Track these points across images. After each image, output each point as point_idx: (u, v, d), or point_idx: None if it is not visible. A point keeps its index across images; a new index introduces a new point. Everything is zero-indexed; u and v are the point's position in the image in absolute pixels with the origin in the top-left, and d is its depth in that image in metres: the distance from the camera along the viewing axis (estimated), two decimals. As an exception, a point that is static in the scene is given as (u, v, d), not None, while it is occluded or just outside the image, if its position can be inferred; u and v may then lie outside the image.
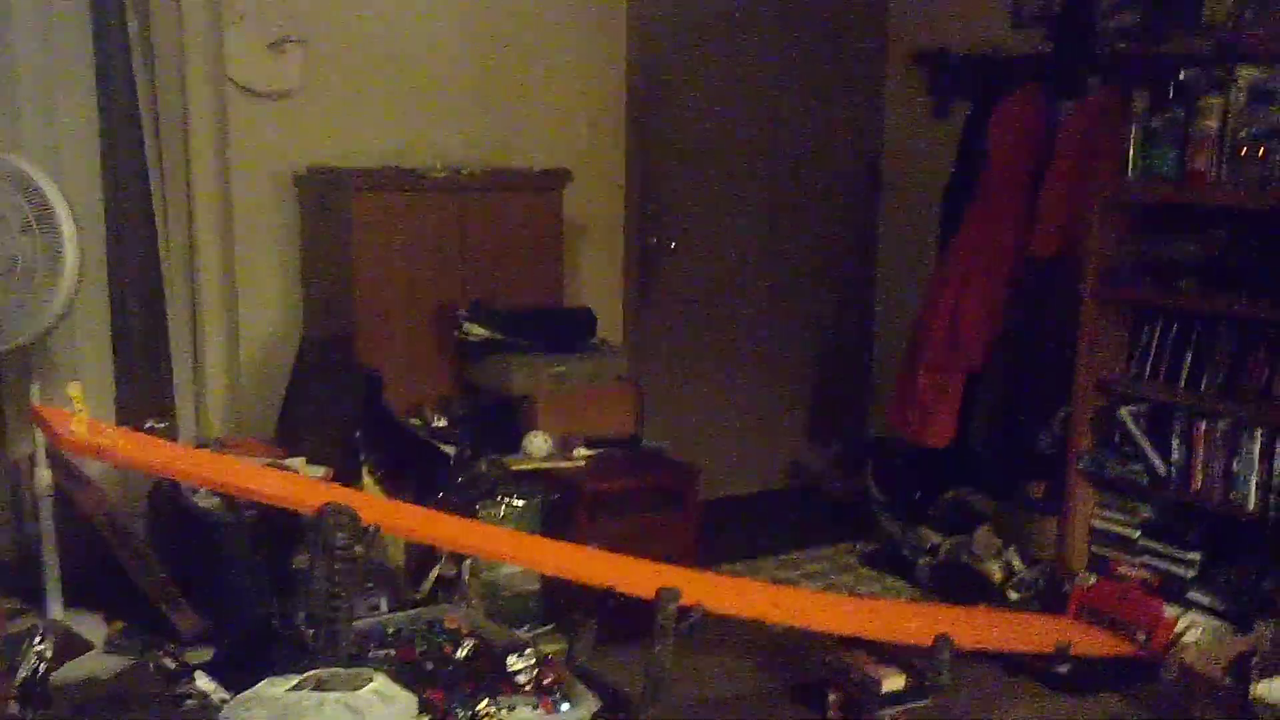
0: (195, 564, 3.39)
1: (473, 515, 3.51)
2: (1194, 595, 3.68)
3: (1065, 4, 4.39)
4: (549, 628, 3.57)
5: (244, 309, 4.04)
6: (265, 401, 3.98)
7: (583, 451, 3.87)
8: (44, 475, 3.39)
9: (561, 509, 3.68)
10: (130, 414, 3.85)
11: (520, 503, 3.63)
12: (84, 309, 3.65)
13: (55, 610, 3.38)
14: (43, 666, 2.80)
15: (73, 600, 3.43)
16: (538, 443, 3.82)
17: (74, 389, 2.91)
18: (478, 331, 3.95)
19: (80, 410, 2.87)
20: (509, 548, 3.27)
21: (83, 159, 3.73)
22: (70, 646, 3.14)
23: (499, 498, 3.61)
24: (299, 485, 3.14)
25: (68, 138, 3.69)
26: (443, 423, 3.84)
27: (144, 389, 3.92)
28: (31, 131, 3.60)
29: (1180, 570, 3.74)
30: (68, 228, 3.21)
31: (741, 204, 5.04)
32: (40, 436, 3.37)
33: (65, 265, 3.21)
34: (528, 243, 4.18)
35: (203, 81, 3.89)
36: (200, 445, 3.79)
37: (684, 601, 2.92)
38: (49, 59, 3.62)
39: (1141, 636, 3.45)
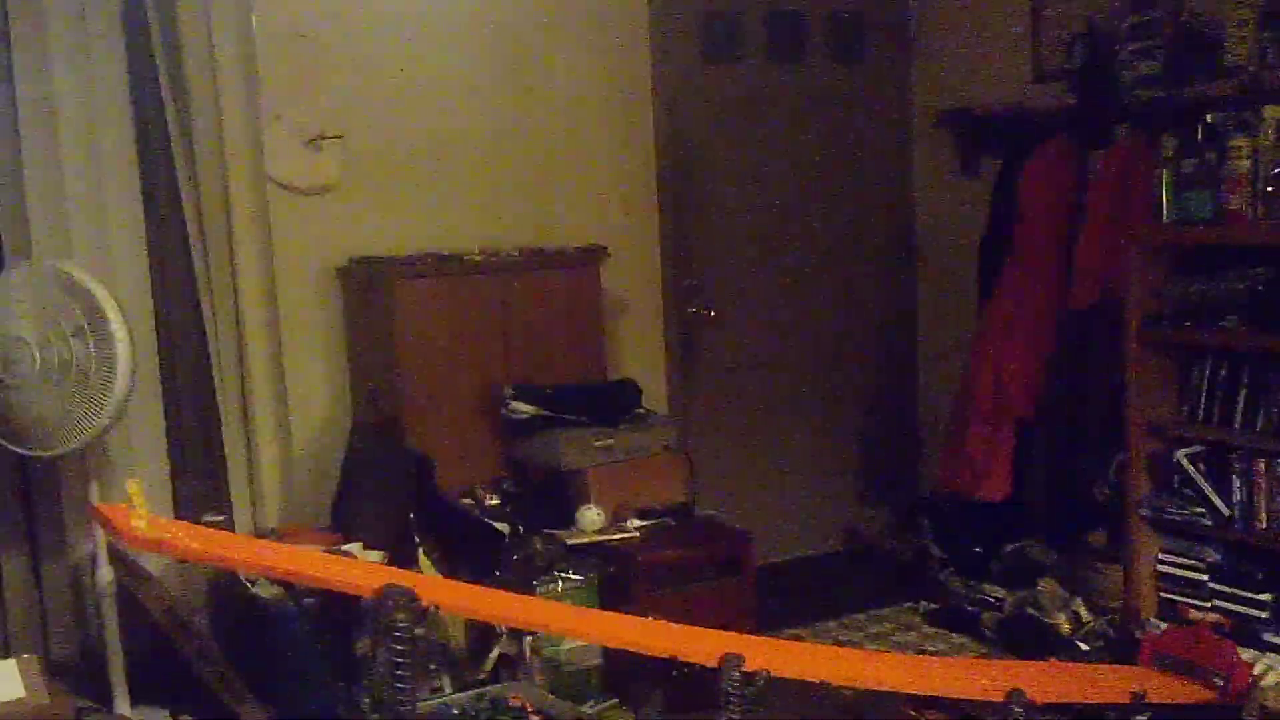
0: (258, 654, 3.39)
1: (530, 592, 3.50)
2: (1270, 637, 3.60)
3: (1085, 57, 4.43)
4: (614, 701, 3.54)
5: (293, 400, 4.09)
6: (319, 489, 4.02)
7: (636, 523, 3.87)
8: (105, 573, 3.42)
9: (618, 581, 3.67)
10: (187, 508, 3.87)
11: (577, 577, 3.62)
12: (138, 407, 3.69)
13: (122, 707, 3.39)
14: (113, 763, 2.80)
15: (139, 697, 3.43)
16: (590, 516, 3.82)
17: (133, 486, 2.94)
18: (524, 409, 3.97)
19: (140, 506, 2.90)
20: (569, 622, 3.25)
21: (131, 261, 3.80)
22: (138, 743, 3.14)
23: (555, 573, 3.60)
24: (357, 569, 3.15)
25: (116, 241, 3.77)
26: (495, 501, 3.86)
27: (199, 483, 3.95)
28: (81, 236, 3.67)
29: (1253, 612, 3.67)
30: (119, 330, 3.25)
31: (779, 270, 5.08)
32: (100, 535, 3.40)
33: (118, 367, 3.25)
34: (568, 319, 4.23)
35: (244, 180, 3.96)
36: (257, 536, 3.82)
37: (748, 667, 2.89)
38: (96, 167, 3.71)
39: (1219, 681, 3.37)
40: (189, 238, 3.91)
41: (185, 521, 3.56)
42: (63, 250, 3.61)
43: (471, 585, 3.31)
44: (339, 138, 4.10)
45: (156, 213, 3.88)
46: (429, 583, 3.22)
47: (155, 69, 3.81)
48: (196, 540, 3.03)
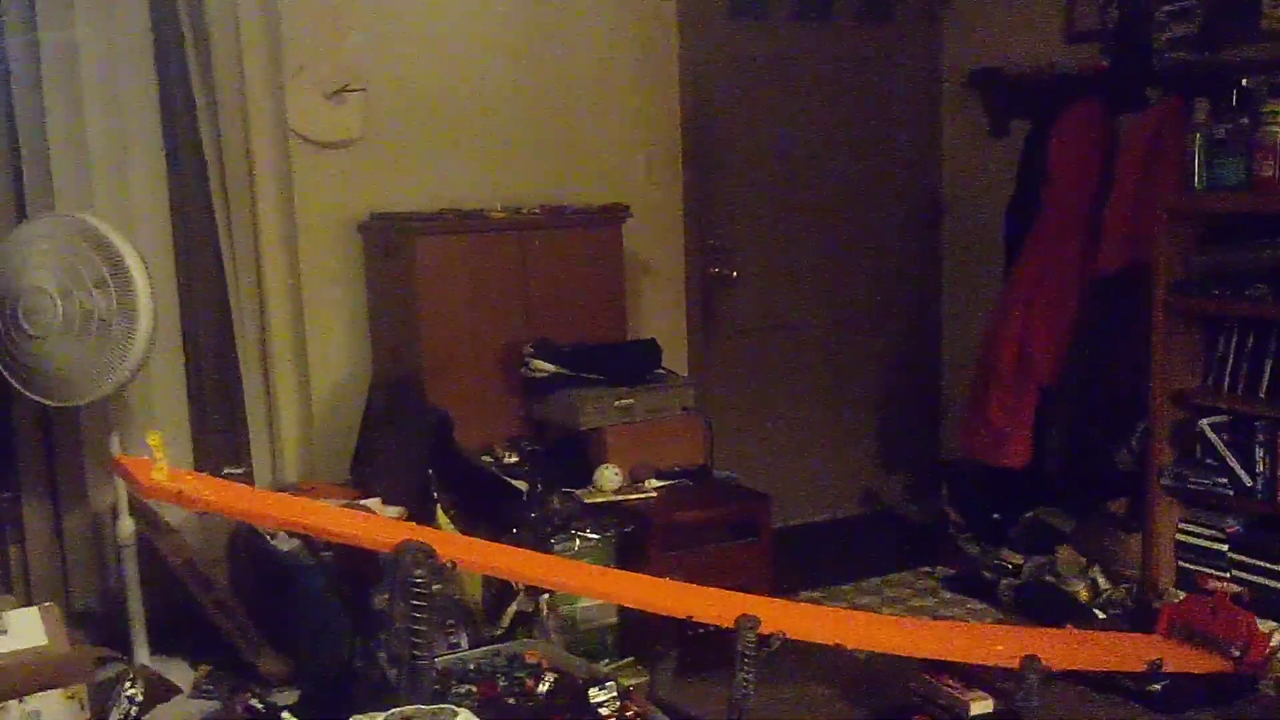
0: (276, 607, 3.42)
1: (547, 550, 3.51)
2: (1288, 608, 3.59)
3: (1119, 18, 4.35)
4: (629, 660, 3.56)
5: (314, 354, 4.09)
6: (338, 445, 4.03)
7: (654, 483, 3.86)
8: (126, 524, 3.45)
9: (635, 541, 3.67)
10: (207, 461, 3.91)
11: (594, 536, 3.62)
12: (159, 360, 3.72)
13: (142, 656, 3.42)
14: (134, 711, 2.83)
15: (158, 646, 3.47)
16: (608, 476, 3.82)
17: (154, 438, 2.96)
18: (544, 367, 3.97)
19: (160, 458, 2.91)
20: (586, 581, 3.26)
21: (152, 213, 3.81)
22: (159, 691, 3.18)
23: (572, 532, 3.60)
24: (376, 525, 3.16)
25: (138, 194, 3.77)
26: (513, 459, 3.86)
27: (219, 436, 3.98)
28: (103, 189, 3.68)
29: (1272, 583, 3.65)
30: (141, 281, 3.26)
31: (803, 231, 5.04)
32: (121, 486, 3.42)
33: (140, 318, 3.26)
34: (590, 278, 4.20)
35: (266, 133, 3.95)
36: (277, 490, 3.84)
37: (764, 629, 2.89)
38: (117, 119, 3.71)
39: (1236, 652, 3.36)
40: (210, 190, 3.91)
41: (205, 474, 3.58)
42: (84, 201, 3.62)
43: (489, 542, 3.32)
44: (361, 91, 4.07)
45: (178, 165, 3.89)
46: (446, 539, 3.23)
47: (177, 21, 3.80)
48: (215, 493, 3.04)
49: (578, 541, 3.60)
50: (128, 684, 2.83)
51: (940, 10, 5.15)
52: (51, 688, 2.78)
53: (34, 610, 2.97)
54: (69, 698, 2.86)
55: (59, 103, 3.61)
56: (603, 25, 4.48)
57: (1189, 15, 4.11)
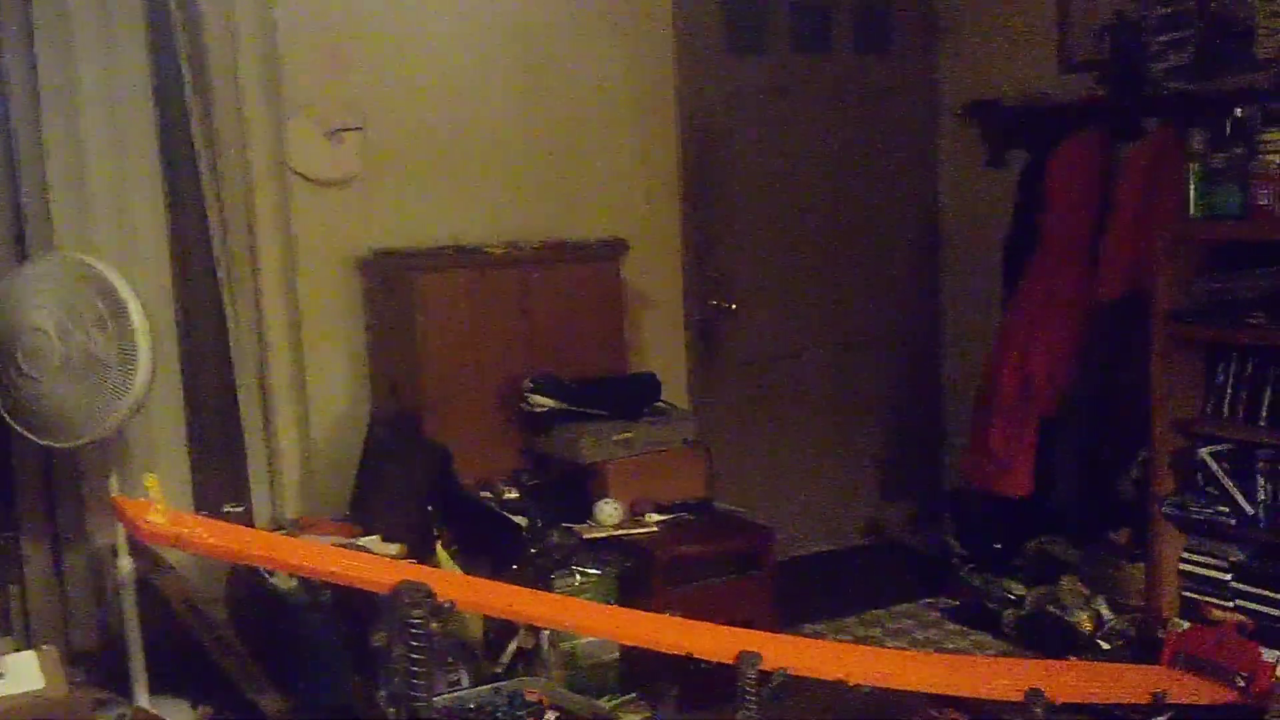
0: (276, 646, 3.41)
1: (548, 586, 3.50)
2: (1293, 638, 3.57)
3: (1114, 48, 4.38)
4: (631, 696, 3.54)
5: (313, 391, 4.09)
6: (338, 481, 4.02)
7: (655, 517, 3.85)
8: (125, 563, 3.43)
9: (636, 576, 3.66)
10: (207, 499, 3.90)
11: (594, 571, 3.61)
12: (159, 399, 3.72)
13: (141, 697, 3.41)
14: (130, 755, 2.81)
15: (159, 687, 3.45)
16: (609, 510, 3.81)
17: (150, 480, 2.95)
18: (544, 402, 3.96)
19: (157, 500, 2.91)
20: (585, 618, 3.24)
21: (153, 253, 3.83)
22: (156, 734, 3.16)
23: (573, 567, 3.59)
24: (373, 565, 3.14)
25: (138, 233, 3.79)
26: (513, 494, 3.85)
27: (220, 474, 3.97)
28: (102, 229, 3.70)
29: (1276, 612, 3.63)
30: (140, 322, 3.26)
31: (802, 262, 5.04)
32: (120, 526, 3.42)
33: (139, 358, 3.26)
34: (589, 312, 4.21)
35: (265, 172, 3.97)
36: (276, 527, 3.84)
37: (766, 665, 2.88)
38: (117, 158, 3.73)
39: (1241, 682, 3.33)
40: (210, 230, 3.92)
41: (204, 514, 3.58)
42: (84, 242, 3.63)
43: (487, 580, 3.30)
44: (360, 129, 4.09)
45: (178, 205, 3.90)
46: (445, 578, 3.22)
47: (177, 61, 3.82)
48: (213, 535, 3.03)
49: (578, 577, 3.59)
50: (124, 728, 2.82)
51: (937, 42, 5.17)
52: (49, 732, 2.77)
53: (31, 654, 2.96)
54: (66, 742, 2.85)
55: (59, 142, 3.63)
56: (600, 61, 4.51)
57: (1183, 45, 4.13)
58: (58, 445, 3.37)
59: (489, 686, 3.19)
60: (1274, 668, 3.38)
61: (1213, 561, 3.82)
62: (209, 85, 3.84)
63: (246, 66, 3.89)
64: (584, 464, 3.88)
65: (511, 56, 4.34)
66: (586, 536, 3.73)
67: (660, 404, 4.15)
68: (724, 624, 3.18)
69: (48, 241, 3.62)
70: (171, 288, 3.88)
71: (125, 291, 3.27)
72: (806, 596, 4.40)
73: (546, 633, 3.43)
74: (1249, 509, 3.69)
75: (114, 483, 3.41)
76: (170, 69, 3.82)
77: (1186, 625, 3.70)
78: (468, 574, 3.41)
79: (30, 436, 3.35)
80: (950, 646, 4.12)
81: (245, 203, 3.95)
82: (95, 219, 3.69)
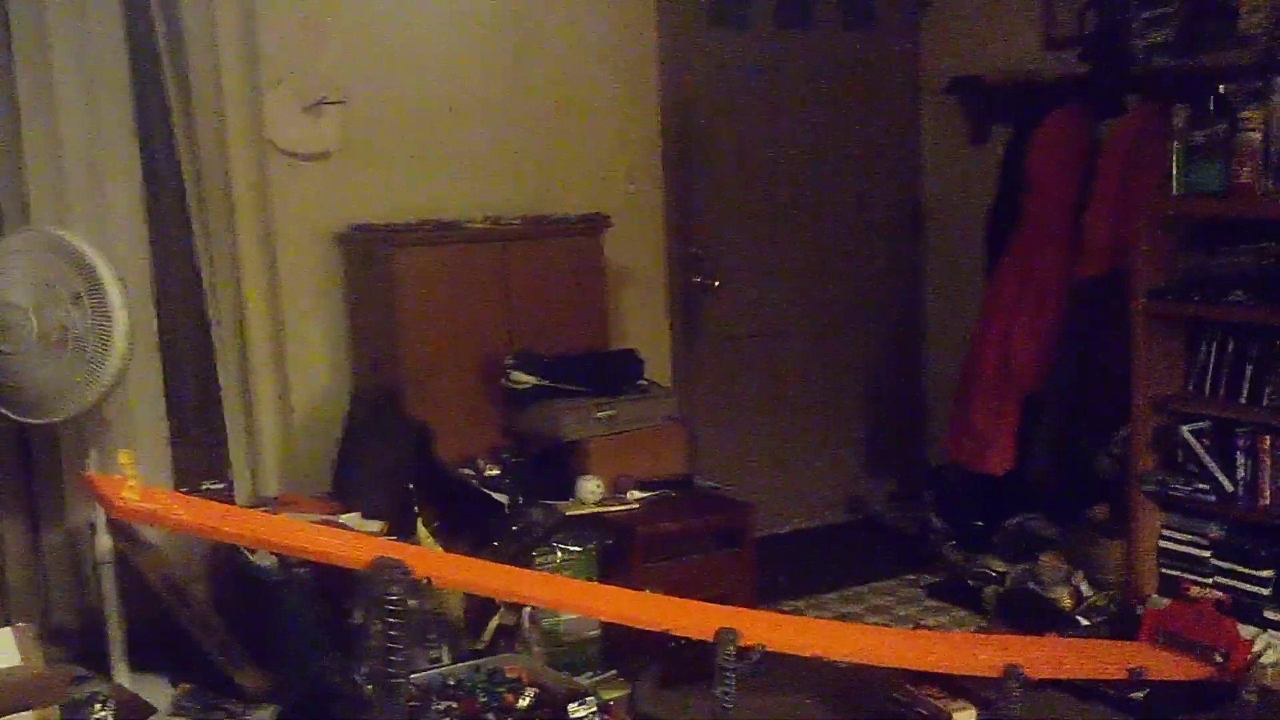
0: (255, 623, 3.40)
1: (528, 563, 3.49)
2: (1270, 614, 3.59)
3: (1097, 24, 4.36)
4: (611, 673, 3.54)
5: (293, 368, 4.07)
6: (319, 458, 4.01)
7: (636, 494, 3.85)
8: (104, 541, 3.42)
9: (617, 553, 3.66)
10: (186, 476, 3.89)
11: (575, 548, 3.61)
12: (137, 376, 3.69)
13: (120, 675, 3.40)
14: (105, 732, 2.81)
15: (138, 664, 3.44)
16: (590, 487, 3.80)
17: (124, 456, 2.94)
18: (525, 379, 3.95)
19: (132, 477, 2.90)
20: (564, 595, 3.25)
21: (130, 228, 3.80)
22: (133, 711, 3.15)
23: (554, 544, 3.59)
24: (350, 542, 3.14)
25: (114, 209, 3.76)
26: (495, 471, 3.84)
27: (199, 451, 3.96)
28: (79, 204, 3.67)
29: (1254, 589, 3.65)
30: (117, 297, 3.24)
31: (784, 238, 5.03)
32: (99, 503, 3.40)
33: (115, 334, 3.24)
34: (570, 288, 4.19)
35: (243, 146, 3.93)
36: (256, 504, 3.82)
37: (744, 642, 2.89)
38: (93, 133, 3.69)
39: (1218, 658, 3.35)
40: (188, 203, 3.90)
41: (183, 491, 3.56)
42: (61, 217, 3.60)
43: (465, 557, 3.30)
44: (339, 103, 4.05)
45: (155, 179, 3.87)
46: (422, 555, 3.22)
47: (154, 33, 3.78)
48: (188, 511, 3.03)
49: (559, 554, 3.59)
50: (97, 705, 2.81)
51: (920, 18, 5.15)
52: (23, 709, 2.75)
53: (7, 630, 2.94)
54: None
55: (35, 116, 3.60)
56: (582, 35, 4.47)
57: (1166, 21, 4.10)
58: (34, 422, 3.35)
59: (469, 663, 3.19)
60: (1251, 644, 3.41)
61: (1192, 539, 3.84)
62: (186, 58, 3.80)
63: (225, 39, 3.85)
64: (565, 441, 3.87)
65: (493, 30, 4.31)
66: (568, 513, 3.72)
67: (642, 381, 4.14)
68: (704, 600, 3.19)
69: (23, 217, 3.59)
70: (149, 261, 3.85)
71: (102, 267, 3.25)
72: (787, 572, 4.41)
73: (527, 610, 3.43)
74: (1229, 486, 3.71)
75: (92, 460, 3.40)
76: (147, 43, 3.78)
77: (1165, 602, 3.72)
78: (449, 551, 3.41)
79: (7, 413, 3.33)
80: (930, 623, 4.13)
81: (223, 178, 3.91)
82: (71, 194, 3.66)
